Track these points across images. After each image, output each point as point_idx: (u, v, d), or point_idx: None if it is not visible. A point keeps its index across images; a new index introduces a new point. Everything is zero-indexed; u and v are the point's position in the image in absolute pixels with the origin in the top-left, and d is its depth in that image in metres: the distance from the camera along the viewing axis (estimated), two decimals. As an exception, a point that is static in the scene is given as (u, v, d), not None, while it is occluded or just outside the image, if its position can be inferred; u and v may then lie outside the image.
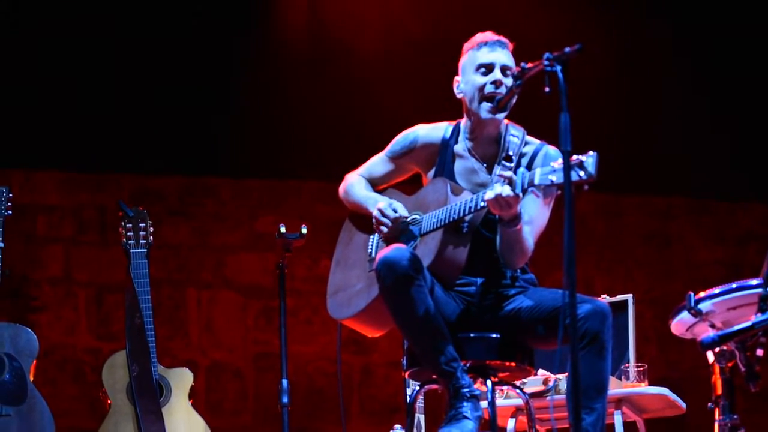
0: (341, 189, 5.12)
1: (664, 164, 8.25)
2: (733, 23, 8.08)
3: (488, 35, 4.86)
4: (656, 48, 8.10)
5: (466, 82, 4.85)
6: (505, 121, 4.88)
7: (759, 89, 8.11)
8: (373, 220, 4.87)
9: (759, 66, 8.10)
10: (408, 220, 4.84)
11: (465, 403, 4.52)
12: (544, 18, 7.77)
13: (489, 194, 4.51)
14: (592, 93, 7.51)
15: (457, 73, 4.91)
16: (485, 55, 4.80)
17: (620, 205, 8.56)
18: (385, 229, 4.83)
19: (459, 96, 4.90)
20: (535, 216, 4.74)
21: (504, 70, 4.78)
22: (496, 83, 4.76)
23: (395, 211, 4.83)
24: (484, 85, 4.78)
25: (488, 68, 4.79)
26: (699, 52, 8.07)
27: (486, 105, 4.77)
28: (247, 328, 8.05)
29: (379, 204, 4.87)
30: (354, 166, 5.15)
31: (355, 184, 5.07)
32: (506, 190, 4.47)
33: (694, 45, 8.06)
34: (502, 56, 4.80)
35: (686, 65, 8.09)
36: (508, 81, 4.75)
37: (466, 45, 4.90)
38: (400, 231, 4.81)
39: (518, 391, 5.02)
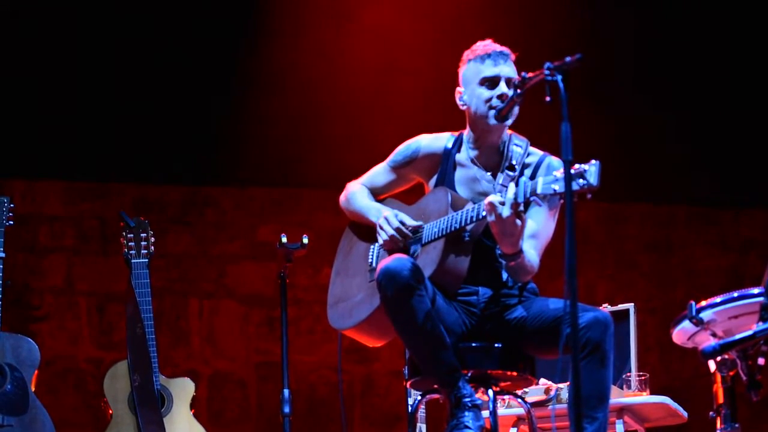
0: (342, 198, 5.12)
1: (665, 173, 8.25)
2: (734, 26, 8.08)
3: (490, 45, 4.84)
4: (658, 54, 8.10)
5: (470, 95, 4.83)
6: (509, 132, 4.87)
7: (761, 96, 8.11)
8: (377, 228, 4.87)
9: (761, 73, 8.10)
10: (408, 230, 4.83)
11: (466, 413, 4.52)
12: (546, 23, 7.78)
13: (485, 201, 4.52)
14: (594, 101, 7.51)
15: (457, 83, 4.90)
16: (490, 69, 4.78)
17: (622, 213, 8.56)
18: (386, 237, 4.82)
19: (462, 107, 4.89)
20: (540, 229, 4.74)
21: (508, 82, 4.77)
22: (502, 97, 4.74)
23: (401, 222, 4.82)
24: (490, 99, 4.77)
25: (493, 82, 4.78)
26: (701, 57, 8.07)
27: (492, 113, 4.76)
28: (249, 338, 8.04)
29: (384, 213, 4.86)
30: (355, 175, 5.15)
31: (357, 193, 5.07)
32: (506, 210, 4.45)
33: (695, 50, 8.07)
34: (506, 69, 4.78)
35: (689, 72, 8.09)
36: (511, 93, 4.73)
37: (467, 54, 4.88)
38: (401, 242, 4.81)
39: (520, 400, 5.02)
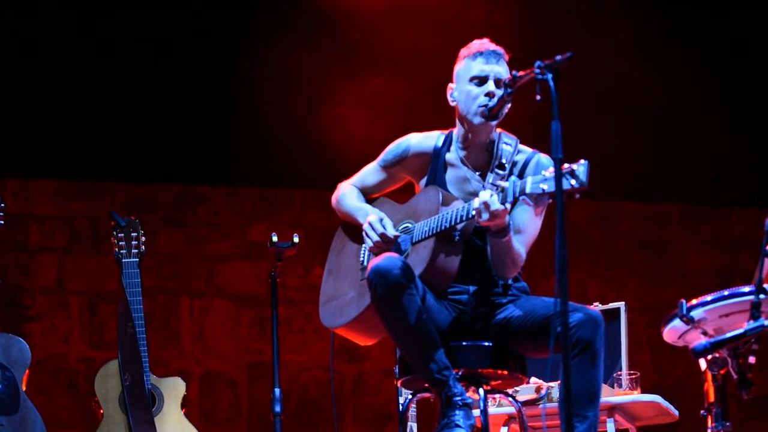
0: (333, 198, 5.12)
1: (657, 171, 8.26)
2: (732, 24, 8.08)
3: (485, 44, 4.85)
4: (652, 54, 8.10)
5: (459, 91, 4.84)
6: (498, 130, 4.88)
7: (755, 95, 8.11)
8: (363, 232, 4.87)
9: (754, 71, 8.11)
10: (399, 229, 4.84)
11: (457, 412, 4.52)
12: (541, 22, 7.78)
13: (475, 201, 4.52)
14: (586, 100, 7.52)
15: (451, 80, 4.91)
16: (480, 66, 4.79)
17: (613, 212, 8.56)
18: (371, 243, 4.82)
19: (452, 104, 4.89)
20: (526, 225, 4.74)
21: (498, 81, 4.77)
22: (489, 95, 4.75)
23: (384, 228, 4.82)
24: (477, 97, 4.78)
25: (482, 80, 4.79)
26: (695, 57, 8.07)
27: (478, 110, 4.77)
28: (240, 337, 8.04)
29: (369, 217, 4.86)
30: (347, 174, 5.15)
31: (347, 194, 5.07)
32: (494, 202, 4.46)
33: (690, 50, 8.07)
34: (497, 67, 4.78)
35: (680, 72, 8.09)
36: (501, 93, 4.74)
37: (462, 51, 4.89)
38: (386, 246, 4.80)
39: (510, 399, 5.02)
